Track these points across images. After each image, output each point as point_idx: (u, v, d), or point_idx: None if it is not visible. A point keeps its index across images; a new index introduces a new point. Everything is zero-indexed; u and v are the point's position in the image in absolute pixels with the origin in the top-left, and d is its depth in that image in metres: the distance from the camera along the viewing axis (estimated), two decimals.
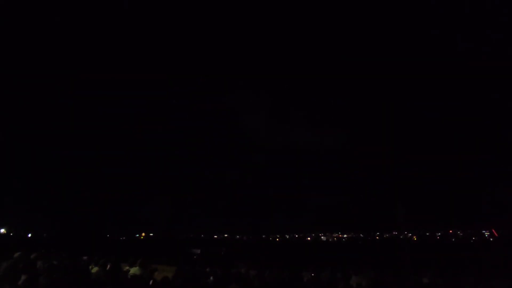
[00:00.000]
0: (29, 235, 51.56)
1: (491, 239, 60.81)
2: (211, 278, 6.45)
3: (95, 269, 7.21)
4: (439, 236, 79.92)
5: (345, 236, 75.48)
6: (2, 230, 51.49)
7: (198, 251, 31.95)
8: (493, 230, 61.50)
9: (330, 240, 65.85)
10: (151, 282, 6.10)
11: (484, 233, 71.74)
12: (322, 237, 61.54)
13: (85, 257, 9.13)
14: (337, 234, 75.67)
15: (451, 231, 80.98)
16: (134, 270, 6.94)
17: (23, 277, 5.39)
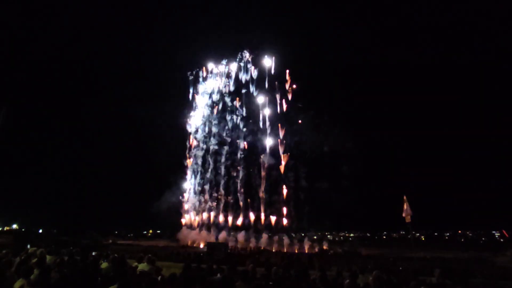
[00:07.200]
0: (40, 230, 52.37)
1: (502, 240, 59.55)
2: (218, 275, 6.48)
3: (104, 265, 7.33)
4: (447, 236, 78.76)
5: (351, 235, 74.98)
6: (14, 226, 52.66)
7: (206, 248, 32.15)
8: (504, 231, 60.15)
9: (336, 239, 65.47)
10: (159, 278, 6.17)
11: (494, 233, 70.38)
12: (329, 236, 61.21)
13: (94, 253, 9.30)
14: (344, 233, 75.21)
15: (460, 231, 79.70)
16: (142, 266, 7.04)
17: (35, 272, 5.53)
